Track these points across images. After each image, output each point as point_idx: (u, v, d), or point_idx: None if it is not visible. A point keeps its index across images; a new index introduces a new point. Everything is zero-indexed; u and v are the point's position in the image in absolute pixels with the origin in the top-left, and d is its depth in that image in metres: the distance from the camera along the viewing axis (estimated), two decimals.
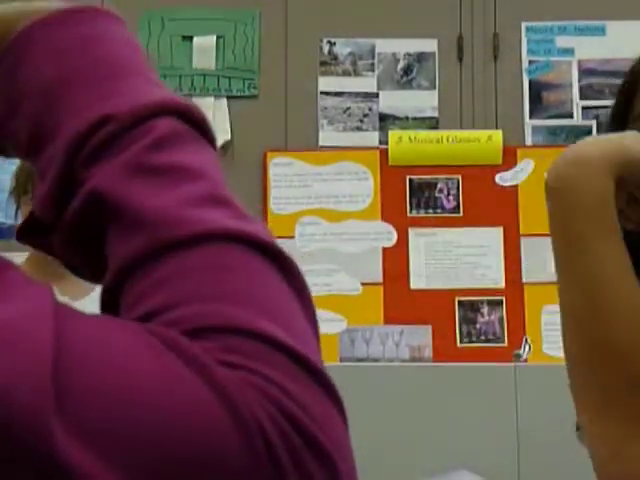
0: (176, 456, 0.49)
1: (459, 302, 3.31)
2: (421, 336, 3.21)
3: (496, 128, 3.42)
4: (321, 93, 3.50)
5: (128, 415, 0.49)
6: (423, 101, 3.50)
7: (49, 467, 0.48)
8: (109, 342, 0.52)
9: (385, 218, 3.38)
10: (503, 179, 3.34)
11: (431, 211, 3.39)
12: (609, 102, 1.19)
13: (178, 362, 0.51)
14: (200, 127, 0.62)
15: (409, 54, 3.53)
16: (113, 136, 0.59)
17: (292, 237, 3.34)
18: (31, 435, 0.48)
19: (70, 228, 0.60)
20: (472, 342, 3.28)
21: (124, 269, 0.56)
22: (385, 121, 3.49)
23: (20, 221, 1.04)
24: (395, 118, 3.50)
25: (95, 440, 0.49)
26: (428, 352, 3.19)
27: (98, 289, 0.60)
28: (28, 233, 0.66)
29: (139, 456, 0.49)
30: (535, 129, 3.46)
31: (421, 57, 3.52)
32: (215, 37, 3.52)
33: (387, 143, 3.43)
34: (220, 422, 0.50)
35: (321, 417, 0.51)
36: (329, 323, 3.25)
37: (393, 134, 3.43)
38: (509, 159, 3.35)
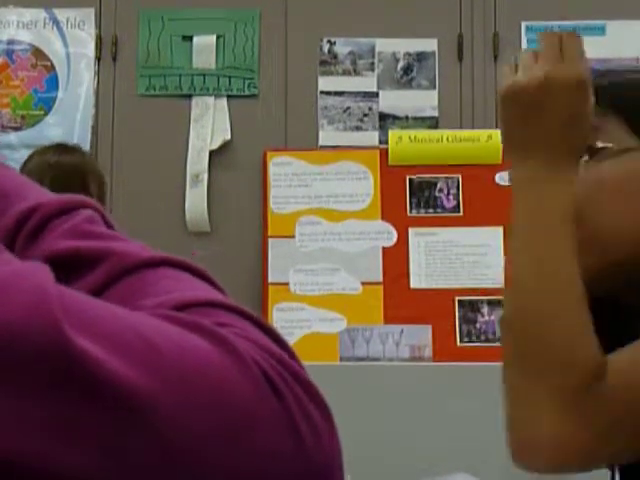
0: (192, 386, 0.56)
1: (459, 302, 3.31)
2: (421, 335, 3.21)
3: (496, 128, 3.42)
4: (321, 92, 3.50)
5: (140, 346, 0.56)
6: (423, 101, 3.50)
7: (63, 360, 0.54)
8: (104, 302, 0.61)
9: (385, 218, 3.38)
10: (503, 179, 3.34)
11: (431, 210, 3.39)
12: None
13: (176, 326, 0.59)
14: (105, 220, 0.75)
15: (409, 54, 3.52)
16: (46, 219, 0.71)
17: (292, 237, 3.34)
18: (55, 358, 0.54)
19: None
20: (472, 342, 3.28)
21: (93, 292, 0.65)
22: (385, 120, 3.49)
23: None
24: (395, 118, 3.50)
25: (102, 339, 0.55)
26: (428, 351, 3.19)
27: None
28: None
29: (158, 369, 0.56)
30: None
31: (421, 56, 3.52)
32: (215, 37, 3.52)
33: (387, 142, 3.42)
34: (226, 364, 0.57)
35: (285, 356, 0.61)
36: (329, 322, 3.25)
37: (393, 134, 3.43)
38: None
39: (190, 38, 3.53)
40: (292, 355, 0.62)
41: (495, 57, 3.49)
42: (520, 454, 1.01)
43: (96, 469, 0.55)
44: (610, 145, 1.10)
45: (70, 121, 3.48)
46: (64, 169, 2.57)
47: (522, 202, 1.09)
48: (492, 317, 3.29)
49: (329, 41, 3.52)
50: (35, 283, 0.56)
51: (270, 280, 3.29)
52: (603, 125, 1.13)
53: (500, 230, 3.32)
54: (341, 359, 3.17)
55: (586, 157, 1.11)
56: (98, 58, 3.52)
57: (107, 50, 3.51)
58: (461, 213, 3.38)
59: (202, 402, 0.56)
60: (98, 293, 0.65)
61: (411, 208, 3.39)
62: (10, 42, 3.54)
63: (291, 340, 3.22)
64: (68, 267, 0.67)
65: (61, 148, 2.71)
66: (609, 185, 1.08)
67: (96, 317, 0.57)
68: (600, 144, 1.10)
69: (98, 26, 3.53)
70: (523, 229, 1.09)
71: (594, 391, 0.98)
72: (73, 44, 3.53)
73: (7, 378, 0.53)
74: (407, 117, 3.50)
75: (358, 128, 3.49)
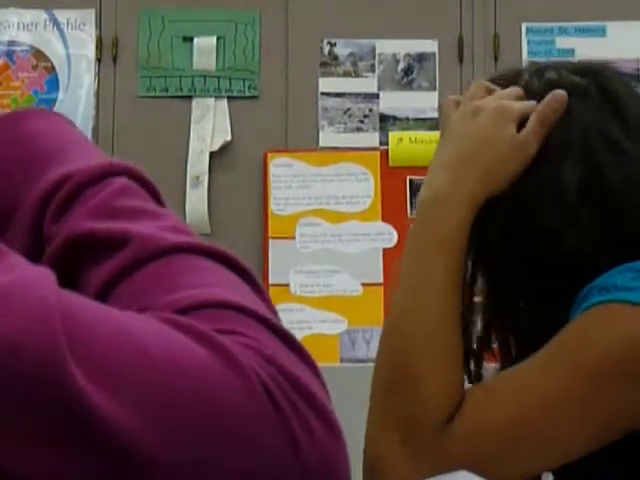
0: (188, 404, 0.55)
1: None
2: None
3: None
4: (321, 94, 3.50)
5: (140, 364, 0.55)
6: (423, 102, 3.50)
7: (70, 407, 0.52)
8: (108, 310, 0.59)
9: (385, 219, 3.38)
10: None
11: None
12: None
13: (179, 332, 0.58)
14: (146, 186, 0.72)
15: (409, 55, 3.52)
16: (77, 190, 0.67)
17: (292, 238, 3.34)
18: (52, 382, 0.52)
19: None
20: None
21: (111, 280, 0.64)
22: (385, 122, 3.49)
23: None
24: (395, 119, 3.50)
25: (109, 383, 0.54)
26: None
27: None
28: None
29: (154, 400, 0.54)
30: None
31: (421, 58, 3.52)
32: (215, 38, 3.52)
33: (387, 144, 3.42)
34: (224, 375, 0.57)
35: (294, 365, 0.60)
36: (330, 324, 3.25)
37: (393, 135, 3.43)
38: None
39: (190, 39, 3.53)
40: (307, 361, 0.61)
41: (495, 58, 3.49)
42: (365, 469, 1.02)
43: None
44: None
45: None
46: None
47: (417, 221, 1.10)
48: None
49: (329, 42, 3.52)
50: (37, 296, 0.54)
51: (270, 281, 3.29)
52: None
53: None
54: (341, 360, 3.17)
55: None
56: (98, 59, 3.52)
57: (107, 51, 3.51)
58: None
59: (198, 418, 0.55)
60: (116, 281, 0.64)
61: (412, 209, 3.39)
62: (10, 43, 3.53)
63: None
64: (87, 250, 0.65)
65: None
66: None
67: (96, 331, 0.56)
68: None
69: (98, 27, 3.52)
70: (409, 253, 1.10)
71: (438, 432, 0.98)
72: (73, 45, 3.53)
73: None
74: (407, 118, 3.50)
75: (358, 129, 3.49)
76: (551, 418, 0.97)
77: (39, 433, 0.53)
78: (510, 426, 0.97)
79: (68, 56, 3.53)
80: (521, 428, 0.97)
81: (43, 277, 0.57)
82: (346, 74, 3.52)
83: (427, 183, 1.09)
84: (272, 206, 3.38)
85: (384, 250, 3.36)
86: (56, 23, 3.54)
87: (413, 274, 1.07)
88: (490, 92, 1.13)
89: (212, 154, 3.44)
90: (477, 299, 1.15)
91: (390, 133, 3.44)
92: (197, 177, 3.42)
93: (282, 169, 3.41)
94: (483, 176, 1.07)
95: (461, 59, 3.49)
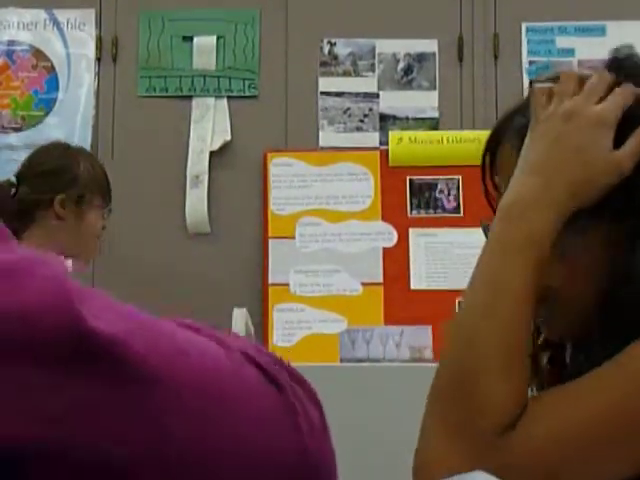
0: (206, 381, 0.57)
1: (459, 303, 3.30)
2: (421, 336, 3.21)
3: None
4: (321, 93, 3.50)
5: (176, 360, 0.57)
6: (423, 101, 3.50)
7: (78, 340, 0.53)
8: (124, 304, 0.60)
9: (385, 218, 3.38)
10: None
11: (431, 211, 3.39)
12: None
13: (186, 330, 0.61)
14: None
15: (409, 54, 3.52)
16: None
17: (292, 237, 3.34)
18: (64, 318, 0.53)
19: None
20: None
21: None
22: (385, 121, 3.49)
23: None
24: (395, 118, 3.50)
25: (116, 315, 0.56)
26: (428, 353, 3.18)
27: None
28: None
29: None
30: None
31: (421, 57, 3.52)
32: (215, 37, 3.52)
33: (387, 143, 3.42)
34: (225, 357, 0.59)
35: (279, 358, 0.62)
36: (329, 323, 3.25)
37: (393, 134, 3.43)
38: None
39: (190, 39, 3.53)
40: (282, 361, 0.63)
41: (495, 58, 3.49)
42: (414, 470, 1.00)
43: (114, 455, 0.55)
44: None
45: (70, 122, 3.48)
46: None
47: (501, 224, 1.05)
48: None
49: (329, 42, 3.52)
50: (50, 273, 0.55)
51: (270, 281, 3.29)
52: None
53: None
54: (341, 360, 3.16)
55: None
56: (98, 59, 3.52)
57: (107, 51, 3.51)
58: (461, 214, 3.37)
59: (203, 387, 0.56)
60: None
61: (411, 209, 3.39)
62: (10, 43, 3.54)
63: (291, 341, 3.22)
64: None
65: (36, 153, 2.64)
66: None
67: (110, 304, 0.57)
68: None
69: (98, 27, 3.53)
70: (489, 254, 1.05)
71: (495, 439, 0.96)
72: (73, 45, 3.53)
73: (21, 362, 0.53)
74: (407, 118, 3.50)
75: (358, 129, 3.49)
76: (605, 437, 0.95)
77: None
78: (564, 444, 0.96)
79: (68, 56, 3.53)
80: (575, 446, 0.96)
81: (52, 258, 0.57)
82: (346, 74, 3.52)
83: (514, 187, 1.04)
84: (272, 206, 3.38)
85: (384, 250, 3.36)
86: (56, 23, 3.54)
87: (493, 274, 1.02)
88: (582, 83, 1.07)
89: (212, 154, 3.45)
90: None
91: (390, 133, 3.44)
92: (197, 177, 3.42)
93: (282, 169, 3.41)
94: (573, 188, 1.03)
95: (461, 59, 3.50)
